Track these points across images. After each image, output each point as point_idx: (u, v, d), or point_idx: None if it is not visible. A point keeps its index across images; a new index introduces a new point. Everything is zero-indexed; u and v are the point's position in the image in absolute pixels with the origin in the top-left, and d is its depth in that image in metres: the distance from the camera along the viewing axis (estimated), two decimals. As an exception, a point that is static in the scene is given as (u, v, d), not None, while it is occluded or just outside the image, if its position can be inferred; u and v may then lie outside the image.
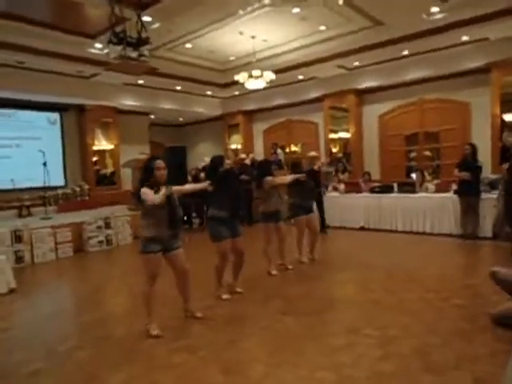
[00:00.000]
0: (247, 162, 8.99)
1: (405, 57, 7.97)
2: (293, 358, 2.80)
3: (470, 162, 6.25)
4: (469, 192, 6.25)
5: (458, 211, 6.58)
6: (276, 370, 2.63)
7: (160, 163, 3.22)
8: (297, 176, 5.24)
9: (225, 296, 4.18)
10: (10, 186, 8.15)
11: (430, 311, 3.54)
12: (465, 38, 7.06)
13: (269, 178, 4.87)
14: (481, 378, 2.44)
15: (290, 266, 5.22)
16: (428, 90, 8.43)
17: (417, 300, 3.83)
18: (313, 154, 6.93)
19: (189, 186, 3.65)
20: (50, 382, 2.69)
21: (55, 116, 9.37)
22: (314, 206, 5.93)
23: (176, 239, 3.38)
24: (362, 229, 7.82)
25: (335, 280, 4.80)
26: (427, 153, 8.89)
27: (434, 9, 6.17)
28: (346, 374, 2.55)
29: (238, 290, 4.34)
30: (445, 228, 6.84)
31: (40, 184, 7.87)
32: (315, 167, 6.10)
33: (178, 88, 9.98)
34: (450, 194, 6.82)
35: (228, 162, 4.13)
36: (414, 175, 8.27)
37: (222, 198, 3.97)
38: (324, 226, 7.60)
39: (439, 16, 6.38)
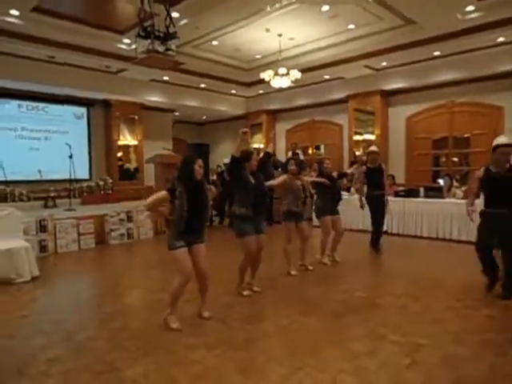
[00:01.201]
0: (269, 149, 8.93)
1: (436, 58, 7.73)
2: (313, 360, 2.70)
3: None
4: None
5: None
6: (296, 373, 2.54)
7: (201, 162, 3.35)
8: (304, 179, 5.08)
9: (246, 292, 4.13)
10: (37, 178, 8.37)
11: (458, 321, 3.37)
12: (501, 39, 6.79)
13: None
14: (516, 393, 2.29)
15: (310, 267, 5.12)
16: (459, 92, 8.16)
17: (444, 308, 3.66)
18: (373, 148, 6.17)
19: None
20: (67, 369, 2.69)
21: (82, 110, 9.55)
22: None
23: (200, 234, 3.36)
24: (385, 233, 7.60)
25: (358, 283, 4.64)
26: (455, 159, 8.60)
27: (470, 7, 5.94)
28: (369, 380, 2.44)
29: (256, 288, 4.28)
30: (473, 235, 6.53)
31: (66, 176, 8.02)
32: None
33: (203, 86, 10.01)
34: (480, 201, 6.54)
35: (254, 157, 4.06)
36: (441, 180, 8.01)
37: (244, 196, 3.93)
38: (377, 240, 6.22)
39: (474, 15, 6.14)
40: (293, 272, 4.90)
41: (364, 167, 6.06)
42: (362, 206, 6.18)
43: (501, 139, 3.88)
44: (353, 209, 7.90)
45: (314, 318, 3.49)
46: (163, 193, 3.26)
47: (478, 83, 7.88)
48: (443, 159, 8.77)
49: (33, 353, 2.94)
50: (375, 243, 6.19)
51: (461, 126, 8.21)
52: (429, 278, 4.67)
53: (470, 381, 2.43)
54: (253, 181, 3.98)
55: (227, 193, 7.94)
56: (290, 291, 4.31)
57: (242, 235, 3.97)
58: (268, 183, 4.80)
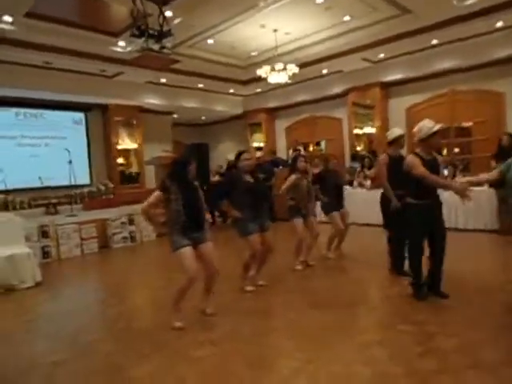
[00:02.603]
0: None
1: (434, 46, 7.65)
2: (323, 352, 2.63)
3: (508, 152, 5.88)
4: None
5: (493, 205, 6.23)
6: (307, 365, 2.47)
7: (194, 163, 3.33)
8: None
9: (249, 288, 4.06)
10: (37, 185, 8.33)
11: (470, 307, 3.28)
12: (499, 24, 6.70)
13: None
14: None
15: (311, 263, 5.00)
16: (459, 80, 8.06)
17: (455, 296, 3.55)
18: (401, 131, 4.50)
19: None
20: (74, 371, 2.63)
21: (80, 116, 9.52)
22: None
23: (202, 230, 3.30)
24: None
25: (364, 275, 4.56)
26: (457, 149, 8.50)
27: (466, -7, 5.87)
28: (382, 369, 2.36)
29: (261, 282, 4.22)
30: (479, 223, 6.49)
31: (66, 182, 7.98)
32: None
33: (200, 86, 9.95)
34: (484, 188, 6.46)
35: (246, 157, 4.00)
36: (445, 170, 7.91)
37: (241, 197, 3.90)
38: (400, 266, 4.31)
39: (471, 1, 6.06)
40: (298, 267, 4.83)
41: (385, 156, 4.47)
42: (396, 209, 4.11)
43: (429, 124, 3.43)
44: (356, 203, 7.84)
45: (322, 310, 3.41)
46: (156, 193, 3.22)
47: (478, 70, 7.79)
48: (445, 149, 8.68)
49: (38, 356, 2.88)
50: (399, 267, 4.34)
51: (462, 115, 8.12)
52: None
53: (488, 365, 2.34)
54: (251, 180, 3.95)
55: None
56: (297, 285, 4.24)
57: (244, 234, 3.93)
58: (282, 188, 4.79)
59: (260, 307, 3.62)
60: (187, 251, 3.17)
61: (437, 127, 3.42)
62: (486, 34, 7.05)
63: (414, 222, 3.55)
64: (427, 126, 3.45)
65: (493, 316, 3.06)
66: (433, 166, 3.45)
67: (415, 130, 3.54)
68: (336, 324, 3.10)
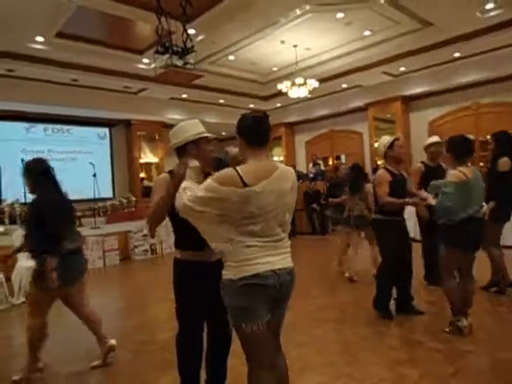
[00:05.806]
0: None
1: (457, 59, 7.57)
2: (351, 369, 2.55)
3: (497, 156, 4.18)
4: None
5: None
6: (334, 382, 2.40)
7: None
8: None
9: None
10: (62, 198, 8.55)
11: (503, 325, 3.15)
12: (523, 36, 6.59)
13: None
14: None
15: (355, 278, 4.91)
16: (483, 93, 7.93)
17: (485, 312, 3.43)
18: (436, 138, 4.39)
19: None
20: (93, 383, 2.63)
21: (104, 131, 9.79)
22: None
23: None
24: (413, 240, 7.33)
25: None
26: (481, 163, 8.26)
27: (489, 5, 5.79)
28: (413, 389, 2.27)
29: None
30: (508, 239, 6.23)
31: (90, 196, 8.15)
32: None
33: (221, 101, 10.11)
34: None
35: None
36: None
37: None
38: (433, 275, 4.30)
39: (495, 13, 5.98)
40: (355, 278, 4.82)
41: (421, 165, 4.36)
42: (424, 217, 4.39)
43: (384, 140, 3.57)
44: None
45: (348, 326, 3.33)
46: None
47: (502, 83, 7.66)
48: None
49: (57, 368, 2.90)
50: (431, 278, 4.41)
51: (487, 128, 7.91)
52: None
53: (525, 388, 2.22)
54: None
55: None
56: (320, 300, 4.15)
57: None
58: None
59: (285, 322, 3.54)
60: None
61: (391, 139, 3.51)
62: (509, 46, 6.94)
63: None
64: (382, 142, 3.54)
65: (529, 335, 2.91)
66: (400, 182, 3.47)
67: (377, 146, 3.68)
68: (362, 341, 3.01)
